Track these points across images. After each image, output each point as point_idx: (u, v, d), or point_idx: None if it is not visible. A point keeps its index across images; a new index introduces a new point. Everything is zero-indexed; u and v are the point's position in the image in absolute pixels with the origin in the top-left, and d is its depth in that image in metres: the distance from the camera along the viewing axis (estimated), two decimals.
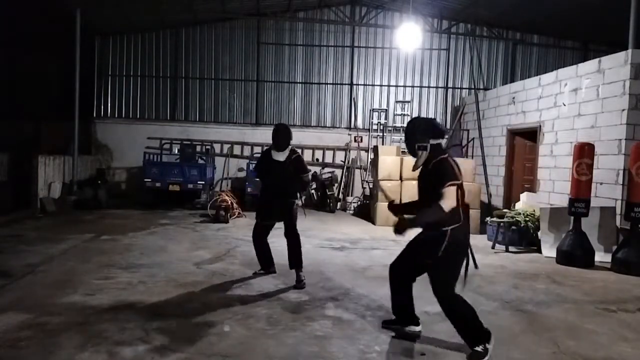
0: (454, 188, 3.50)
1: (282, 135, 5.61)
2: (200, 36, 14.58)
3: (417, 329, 4.00)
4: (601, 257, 7.31)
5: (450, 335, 3.81)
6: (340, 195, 13.95)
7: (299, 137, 14.55)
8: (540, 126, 10.12)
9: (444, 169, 3.57)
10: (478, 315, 3.62)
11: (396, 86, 14.85)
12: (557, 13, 12.41)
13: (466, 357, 3.60)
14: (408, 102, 14.73)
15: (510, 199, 11.13)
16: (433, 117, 14.71)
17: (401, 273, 3.90)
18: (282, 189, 5.56)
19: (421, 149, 3.70)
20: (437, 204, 3.43)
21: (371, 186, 12.68)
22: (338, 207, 13.42)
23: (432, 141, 3.68)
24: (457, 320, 3.63)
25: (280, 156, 5.61)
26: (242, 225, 9.84)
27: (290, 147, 5.70)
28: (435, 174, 3.59)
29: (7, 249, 6.83)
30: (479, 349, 3.55)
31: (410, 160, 11.06)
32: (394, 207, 4.08)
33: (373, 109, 14.72)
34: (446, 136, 3.79)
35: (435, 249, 3.55)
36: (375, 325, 4.23)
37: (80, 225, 9.07)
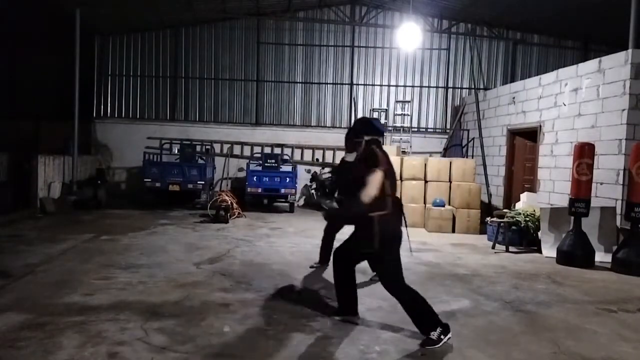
0: (379, 177, 3.71)
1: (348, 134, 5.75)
2: (200, 36, 14.59)
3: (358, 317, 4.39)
4: (601, 257, 7.30)
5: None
6: None
7: (299, 137, 14.61)
8: (540, 126, 10.12)
9: (371, 156, 3.88)
10: (432, 306, 3.81)
11: (396, 86, 14.84)
12: (557, 13, 12.42)
13: (419, 344, 3.77)
14: (408, 102, 14.73)
15: (510, 199, 11.13)
16: (434, 116, 14.81)
17: (344, 261, 4.23)
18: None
19: (358, 145, 4.05)
20: (357, 195, 3.67)
21: None
22: None
23: (367, 137, 4.01)
24: (409, 308, 3.84)
25: (349, 157, 5.73)
26: (242, 225, 9.84)
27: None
28: (364, 162, 3.90)
29: (7, 249, 6.83)
30: (433, 336, 3.70)
31: (411, 161, 11.04)
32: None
33: (373, 109, 14.71)
34: (385, 134, 4.20)
35: (370, 240, 3.74)
36: (376, 326, 4.23)
37: (79, 225, 9.07)
